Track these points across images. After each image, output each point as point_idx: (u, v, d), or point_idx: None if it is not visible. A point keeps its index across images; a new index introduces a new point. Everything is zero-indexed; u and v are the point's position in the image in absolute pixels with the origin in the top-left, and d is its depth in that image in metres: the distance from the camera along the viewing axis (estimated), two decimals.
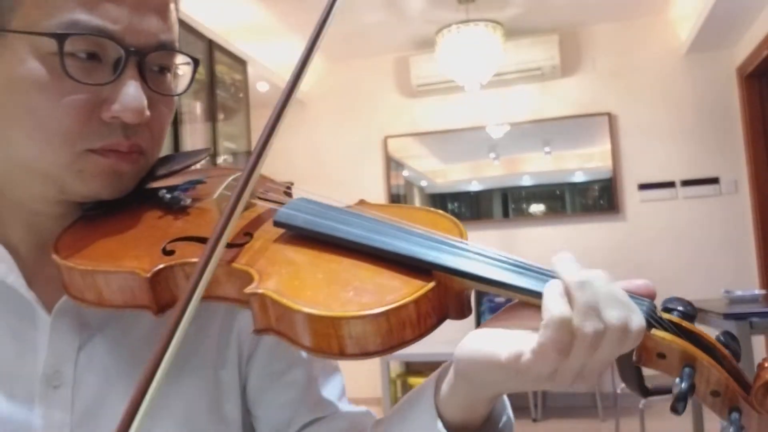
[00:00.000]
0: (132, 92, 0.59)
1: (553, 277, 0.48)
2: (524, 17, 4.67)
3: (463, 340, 0.52)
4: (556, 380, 0.47)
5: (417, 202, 5.39)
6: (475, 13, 4.36)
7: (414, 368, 4.83)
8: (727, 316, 2.65)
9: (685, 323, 0.49)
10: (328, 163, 5.15)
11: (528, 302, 0.50)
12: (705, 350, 0.48)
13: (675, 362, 0.48)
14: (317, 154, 5.24)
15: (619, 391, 3.54)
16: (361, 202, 0.65)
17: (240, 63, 4.32)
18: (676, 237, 4.75)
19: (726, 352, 0.48)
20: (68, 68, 0.57)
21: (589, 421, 4.43)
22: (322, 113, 5.23)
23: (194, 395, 0.66)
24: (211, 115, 4.01)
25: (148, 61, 0.61)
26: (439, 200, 5.37)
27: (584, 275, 0.46)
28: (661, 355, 0.48)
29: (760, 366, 0.47)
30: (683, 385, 0.46)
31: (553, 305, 0.45)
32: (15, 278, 0.61)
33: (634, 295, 0.48)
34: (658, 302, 0.51)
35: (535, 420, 4.48)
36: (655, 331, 0.48)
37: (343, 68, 5.28)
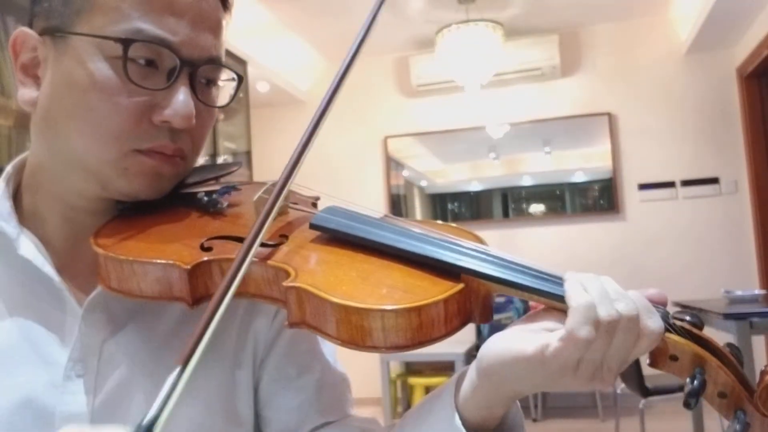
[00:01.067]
0: (183, 99, 0.63)
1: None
2: (524, 17, 4.67)
3: (488, 341, 0.55)
4: (579, 372, 0.50)
5: (417, 201, 5.39)
6: (475, 13, 4.36)
7: (414, 368, 4.83)
8: (727, 316, 2.65)
9: (695, 330, 0.53)
10: (328, 163, 5.14)
11: (549, 306, 0.54)
12: (714, 355, 0.52)
13: (686, 364, 0.52)
14: (317, 153, 5.22)
15: (619, 391, 3.54)
16: (386, 216, 0.67)
17: (240, 63, 4.32)
18: (676, 237, 4.75)
19: (732, 358, 0.52)
20: (129, 72, 0.61)
21: (589, 421, 4.43)
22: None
23: (212, 391, 0.68)
24: None
25: (198, 73, 0.66)
26: (439, 200, 5.37)
27: (594, 275, 0.52)
28: (674, 357, 0.52)
29: (763, 372, 0.50)
30: (695, 383, 0.50)
31: (577, 294, 0.50)
32: (49, 269, 0.64)
33: (650, 302, 0.52)
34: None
35: (535, 420, 4.48)
36: (669, 335, 0.52)
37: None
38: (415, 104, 5.26)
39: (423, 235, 0.60)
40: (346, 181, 5.15)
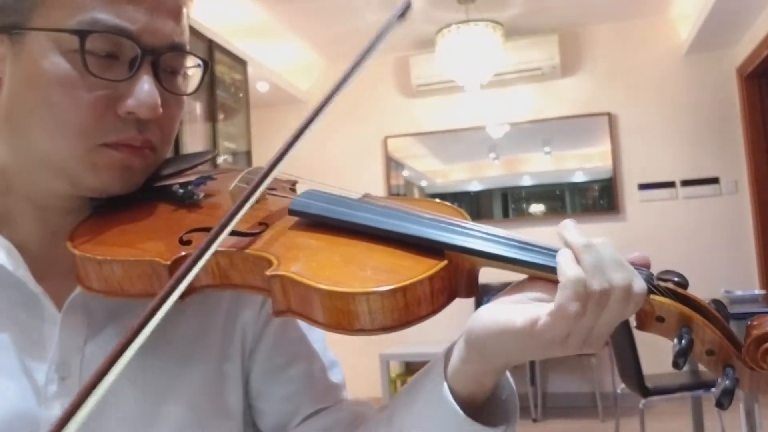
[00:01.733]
0: (147, 88, 0.62)
1: (556, 252, 0.53)
2: (524, 17, 4.67)
3: (475, 313, 0.54)
4: (568, 344, 0.50)
5: None
6: (475, 13, 4.36)
7: (414, 368, 4.83)
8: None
9: (680, 289, 0.53)
10: (328, 163, 5.14)
11: (535, 276, 0.54)
12: (699, 313, 0.52)
13: (673, 324, 0.52)
14: (317, 153, 5.23)
15: (619, 391, 3.54)
16: (366, 196, 0.66)
17: (240, 63, 4.33)
18: (675, 237, 4.75)
19: (717, 314, 0.52)
20: (88, 65, 0.60)
21: (589, 421, 4.43)
22: (322, 113, 5.22)
23: (198, 387, 0.67)
24: (211, 115, 4.01)
25: (162, 62, 0.64)
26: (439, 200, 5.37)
27: (589, 240, 0.52)
28: (660, 319, 0.52)
29: (749, 326, 0.51)
30: (683, 342, 0.50)
31: (568, 268, 0.50)
32: (23, 273, 0.63)
33: (634, 265, 0.52)
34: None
35: (535, 420, 4.48)
36: (653, 296, 0.51)
37: (343, 68, 5.24)
38: (415, 104, 5.26)
39: (404, 213, 0.59)
40: (346, 181, 5.10)
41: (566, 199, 5.10)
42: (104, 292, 0.60)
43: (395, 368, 4.73)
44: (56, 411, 0.61)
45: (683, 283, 0.53)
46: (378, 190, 5.25)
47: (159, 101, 0.62)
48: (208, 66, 0.71)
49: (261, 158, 4.59)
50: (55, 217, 0.66)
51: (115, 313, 0.66)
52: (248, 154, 4.45)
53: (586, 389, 4.73)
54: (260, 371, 0.72)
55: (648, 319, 0.52)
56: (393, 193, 5.27)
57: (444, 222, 0.57)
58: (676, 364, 0.50)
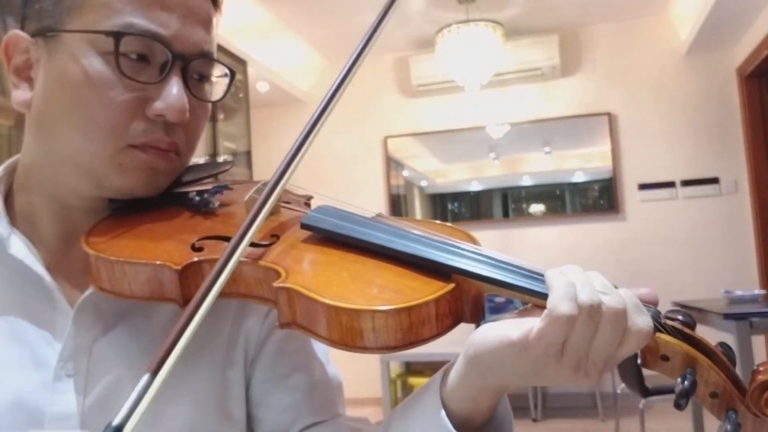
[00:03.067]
0: (176, 92, 0.64)
1: None
2: (524, 17, 4.67)
3: (477, 330, 0.55)
4: (563, 363, 0.49)
5: (417, 202, 5.39)
6: (475, 13, 4.36)
7: (414, 368, 4.83)
8: (727, 316, 2.65)
9: (686, 329, 0.52)
10: (328, 163, 5.14)
11: (540, 305, 0.53)
12: (705, 354, 0.51)
13: (677, 364, 0.51)
14: (317, 153, 5.22)
15: (619, 391, 3.54)
16: (379, 215, 0.67)
17: (240, 63, 4.32)
18: (675, 237, 4.75)
19: (723, 358, 0.51)
20: (121, 66, 0.62)
21: (589, 421, 4.43)
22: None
23: (203, 391, 0.68)
24: (211, 115, 3.99)
25: (191, 68, 0.66)
26: (439, 200, 5.37)
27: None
28: (665, 358, 0.51)
29: (755, 371, 0.50)
30: (686, 383, 0.49)
31: (557, 277, 0.50)
32: (40, 268, 0.64)
33: (641, 301, 0.51)
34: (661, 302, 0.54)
35: (535, 420, 4.48)
36: (660, 335, 0.51)
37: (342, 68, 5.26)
38: (415, 104, 5.26)
39: (414, 234, 0.59)
40: (346, 181, 5.14)
41: (566, 199, 5.10)
42: (114, 293, 0.61)
43: (395, 368, 4.73)
44: (61, 407, 0.62)
45: (690, 323, 0.52)
46: (378, 190, 5.25)
47: (187, 105, 0.64)
48: (234, 75, 0.74)
49: (261, 158, 4.59)
50: (75, 217, 0.67)
51: (125, 314, 0.66)
52: (248, 154, 4.45)
53: (586, 389, 4.73)
54: (261, 379, 0.72)
55: (652, 357, 0.52)
56: (393, 194, 5.27)
57: (453, 246, 0.58)
58: (678, 405, 0.49)
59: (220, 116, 4.17)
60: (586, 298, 0.48)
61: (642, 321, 0.49)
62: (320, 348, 0.76)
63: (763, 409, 0.49)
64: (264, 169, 4.77)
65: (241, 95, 4.44)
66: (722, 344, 0.52)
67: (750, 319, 2.59)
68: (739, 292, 3.22)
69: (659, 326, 0.51)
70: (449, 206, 5.32)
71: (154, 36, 0.62)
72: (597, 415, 4.45)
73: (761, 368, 0.50)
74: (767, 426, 0.50)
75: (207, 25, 0.68)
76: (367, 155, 5.30)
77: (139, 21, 0.62)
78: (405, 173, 5.36)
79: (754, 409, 0.50)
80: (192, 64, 0.66)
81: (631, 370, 3.13)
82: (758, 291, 3.37)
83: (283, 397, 0.72)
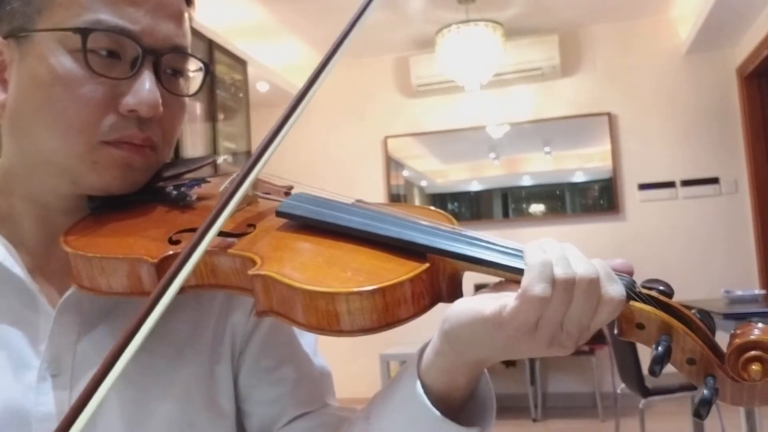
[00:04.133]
0: (147, 86, 0.63)
1: None
2: (524, 17, 4.67)
3: (453, 304, 0.55)
4: (537, 336, 0.50)
5: (417, 202, 5.39)
6: (475, 13, 4.36)
7: None
8: (727, 316, 2.65)
9: (662, 297, 0.52)
10: (328, 163, 5.15)
11: (515, 280, 0.53)
12: (681, 321, 0.51)
13: (653, 332, 0.51)
14: (317, 153, 5.24)
15: (619, 391, 3.54)
16: (359, 201, 0.67)
17: (240, 63, 4.33)
18: (675, 237, 4.75)
19: (701, 324, 0.51)
20: (90, 63, 0.62)
21: (589, 421, 4.43)
22: (322, 113, 5.24)
23: (190, 386, 0.68)
24: (211, 115, 4.01)
25: (163, 63, 0.66)
26: (439, 200, 5.37)
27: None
28: (640, 326, 0.51)
29: (732, 335, 0.50)
30: (659, 348, 0.49)
31: (534, 253, 0.50)
32: (20, 270, 0.64)
33: (615, 271, 0.52)
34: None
35: (535, 420, 4.48)
36: (634, 303, 0.51)
37: (343, 68, 5.28)
38: (415, 104, 5.26)
39: (390, 217, 0.59)
40: (346, 181, 5.14)
41: (566, 199, 5.10)
42: (94, 290, 0.61)
43: (395, 368, 4.73)
44: (47, 407, 0.62)
45: (668, 292, 0.53)
46: (378, 190, 5.25)
47: (159, 99, 0.64)
48: (209, 69, 0.74)
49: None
50: (55, 217, 0.67)
51: (108, 312, 0.67)
52: (248, 154, 4.45)
53: (586, 389, 4.73)
54: (248, 373, 0.72)
55: (628, 326, 0.52)
56: (393, 194, 5.27)
57: (427, 226, 0.58)
58: (652, 372, 0.49)
59: (220, 116, 4.17)
60: (561, 272, 0.49)
61: (614, 289, 0.49)
62: (307, 340, 0.76)
63: (740, 372, 0.49)
64: (264, 168, 4.77)
65: (241, 95, 4.44)
66: (701, 311, 0.52)
67: (750, 319, 2.58)
68: (739, 292, 3.22)
69: (633, 294, 0.51)
70: (449, 206, 5.32)
71: (122, 31, 0.62)
72: (597, 415, 4.45)
73: (738, 331, 0.50)
74: (746, 390, 0.50)
75: (178, 18, 0.67)
76: (367, 155, 5.30)
77: (107, 17, 0.62)
78: (405, 173, 5.36)
79: (731, 373, 0.49)
80: (164, 58, 0.66)
81: (631, 370, 3.12)
82: (758, 291, 3.37)
83: (270, 389, 0.72)
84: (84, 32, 0.61)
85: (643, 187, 4.85)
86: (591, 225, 4.90)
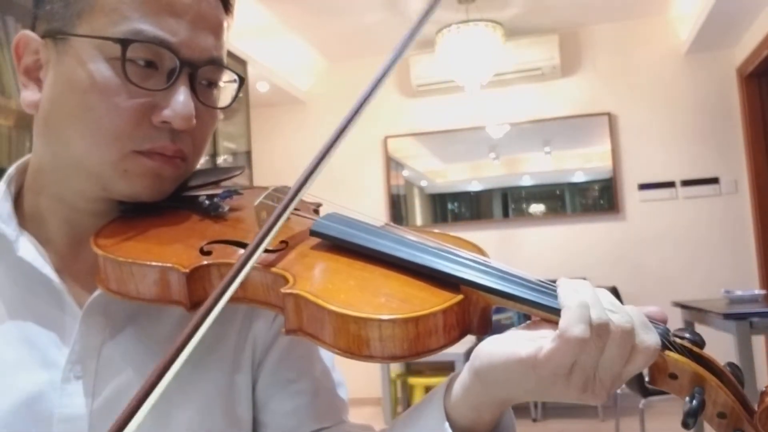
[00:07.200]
0: (183, 99, 0.63)
1: None
2: (524, 17, 4.67)
3: (483, 342, 0.54)
4: (571, 381, 0.49)
5: (417, 202, 5.39)
6: (475, 13, 4.36)
7: (414, 368, 4.83)
8: (727, 316, 2.66)
9: (695, 348, 0.51)
10: (328, 163, 5.13)
11: (547, 319, 0.52)
12: (713, 374, 0.50)
13: (686, 383, 0.51)
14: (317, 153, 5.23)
15: (619, 391, 3.54)
16: (388, 224, 0.67)
17: (240, 63, 4.32)
18: (676, 237, 4.75)
19: (731, 377, 0.51)
20: (128, 72, 0.61)
21: (589, 421, 4.43)
22: (322, 113, 5.23)
23: (210, 393, 0.67)
24: None
25: (199, 75, 0.66)
26: (439, 200, 5.37)
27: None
28: (673, 376, 0.51)
29: (764, 393, 0.49)
30: (694, 402, 0.49)
31: (570, 293, 0.50)
32: (48, 270, 0.64)
33: (649, 318, 0.51)
34: (666, 312, 0.54)
35: (535, 420, 4.48)
36: (668, 353, 0.50)
37: (343, 68, 5.28)
38: (415, 104, 5.26)
39: (423, 244, 0.59)
40: (347, 181, 5.14)
41: (566, 199, 5.09)
42: (121, 294, 0.61)
43: (395, 368, 4.73)
44: (70, 409, 0.62)
45: (699, 342, 0.52)
46: (378, 190, 5.25)
47: (194, 112, 0.64)
48: (243, 81, 0.73)
49: (261, 158, 4.60)
50: (83, 219, 0.67)
51: (134, 316, 0.66)
52: (248, 154, 4.45)
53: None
54: (266, 383, 0.72)
55: (660, 375, 0.51)
56: (393, 193, 5.27)
57: (462, 257, 0.57)
58: (686, 425, 0.48)
59: (220, 116, 4.16)
60: (597, 317, 0.48)
61: (649, 338, 0.49)
62: (326, 354, 0.75)
63: None
64: (264, 169, 4.77)
65: (241, 95, 4.43)
66: (731, 364, 0.52)
67: (750, 319, 2.60)
68: (739, 292, 3.23)
69: (667, 344, 0.51)
70: (449, 206, 5.32)
71: (161, 43, 0.62)
72: (597, 415, 4.45)
73: None
74: None
75: (217, 30, 0.67)
76: (367, 155, 5.30)
77: (148, 27, 0.61)
78: (405, 173, 5.36)
79: (762, 430, 0.49)
80: (200, 70, 0.65)
81: None
82: (758, 291, 3.37)
83: (288, 401, 0.72)
84: (124, 42, 0.61)
85: (643, 187, 4.85)
86: (591, 225, 4.90)
